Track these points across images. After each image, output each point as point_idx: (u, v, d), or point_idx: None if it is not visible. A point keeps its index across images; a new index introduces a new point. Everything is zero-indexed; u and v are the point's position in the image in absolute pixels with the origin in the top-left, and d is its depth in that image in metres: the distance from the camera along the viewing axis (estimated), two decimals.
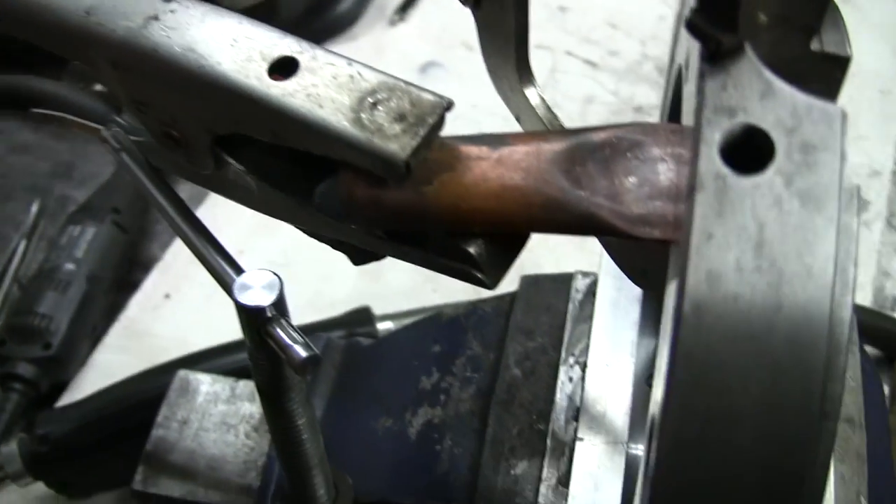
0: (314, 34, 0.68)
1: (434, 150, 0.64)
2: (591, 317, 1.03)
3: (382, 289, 1.54)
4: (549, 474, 0.93)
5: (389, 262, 0.75)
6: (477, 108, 1.35)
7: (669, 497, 0.53)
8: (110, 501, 1.35)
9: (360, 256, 0.75)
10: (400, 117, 0.63)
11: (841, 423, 0.91)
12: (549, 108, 0.81)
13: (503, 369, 1.02)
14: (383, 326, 1.44)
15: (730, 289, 0.50)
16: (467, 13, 0.80)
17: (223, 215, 1.22)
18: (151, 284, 1.61)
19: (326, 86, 0.65)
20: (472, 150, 0.66)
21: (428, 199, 0.64)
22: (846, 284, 0.50)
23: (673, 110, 0.83)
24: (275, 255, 1.57)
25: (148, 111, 0.73)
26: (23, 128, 1.83)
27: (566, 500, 0.90)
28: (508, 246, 0.68)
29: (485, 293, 0.77)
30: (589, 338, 1.02)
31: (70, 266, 1.49)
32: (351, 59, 0.67)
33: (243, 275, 0.72)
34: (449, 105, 0.64)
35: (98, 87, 0.85)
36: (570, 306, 1.05)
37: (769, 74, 0.54)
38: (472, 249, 0.66)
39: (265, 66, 0.66)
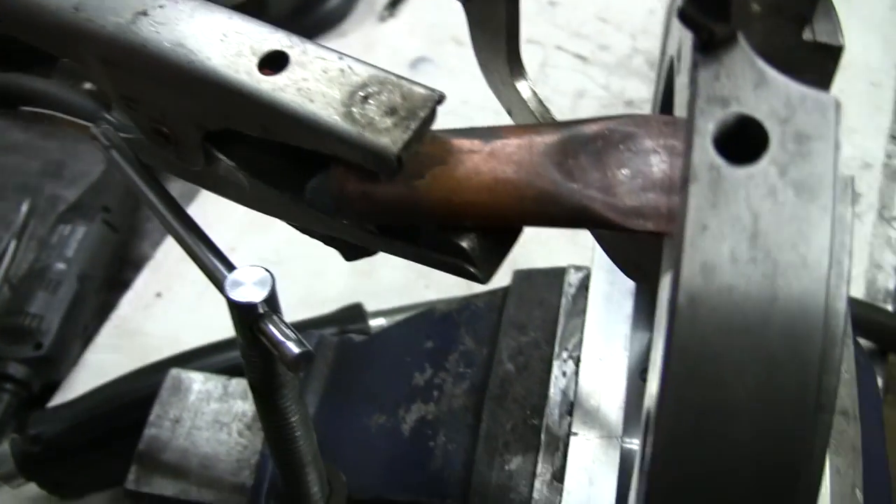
0: (303, 31, 0.68)
1: (426, 143, 0.64)
2: (584, 311, 1.03)
3: (374, 285, 1.54)
4: (543, 469, 0.93)
5: (381, 258, 0.75)
6: (468, 104, 1.34)
7: (666, 491, 0.52)
8: (103, 501, 1.35)
9: (352, 252, 0.75)
10: (391, 111, 0.62)
11: (836, 416, 0.91)
12: (540, 102, 0.81)
13: (496, 364, 1.02)
14: (376, 323, 1.43)
15: (724, 280, 0.49)
16: (457, 8, 0.79)
17: (214, 213, 1.22)
18: (143, 283, 1.61)
19: (317, 80, 0.64)
20: (464, 143, 0.65)
21: (420, 192, 0.64)
22: (841, 275, 0.50)
23: (665, 103, 0.83)
24: (266, 252, 1.57)
25: (137, 107, 0.73)
26: (12, 127, 1.83)
27: (561, 495, 0.90)
28: (501, 240, 0.68)
29: (477, 288, 0.77)
30: (582, 332, 1.02)
31: (61, 265, 1.48)
32: (341, 53, 0.66)
33: (235, 271, 0.71)
34: (440, 98, 0.64)
35: (88, 85, 0.85)
36: (563, 300, 1.05)
37: (762, 64, 0.53)
38: (464, 243, 0.66)
39: (255, 61, 0.66)
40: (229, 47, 0.67)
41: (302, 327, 1.29)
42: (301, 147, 0.66)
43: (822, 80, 0.66)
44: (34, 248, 1.60)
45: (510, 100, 0.82)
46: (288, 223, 0.76)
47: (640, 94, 1.85)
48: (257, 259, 1.49)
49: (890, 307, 1.54)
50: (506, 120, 0.83)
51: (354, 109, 0.63)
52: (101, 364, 1.47)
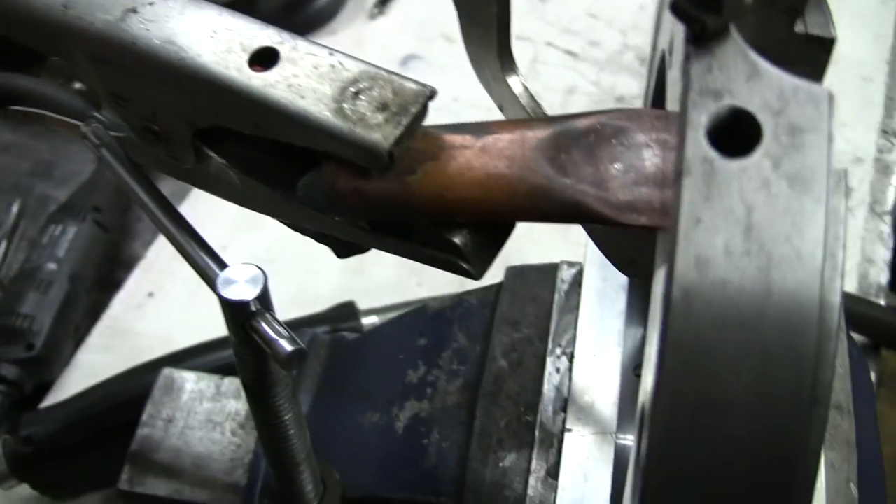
0: (293, 29, 0.67)
1: (417, 139, 0.64)
2: (577, 307, 1.03)
3: (367, 283, 1.54)
4: (537, 466, 0.93)
5: (373, 256, 0.75)
6: (458, 101, 1.34)
7: (661, 486, 0.52)
8: (96, 502, 1.35)
9: (344, 249, 0.75)
10: (382, 107, 0.62)
11: (830, 410, 0.91)
12: (532, 97, 0.81)
13: (490, 361, 1.01)
14: (368, 321, 1.43)
15: (718, 274, 0.49)
16: (447, 5, 0.79)
17: (205, 212, 1.22)
18: (134, 283, 1.60)
19: (308, 76, 0.64)
20: (456, 138, 0.65)
21: (412, 188, 0.64)
22: (835, 268, 0.50)
23: (656, 98, 0.83)
24: (258, 251, 1.56)
25: (127, 105, 0.73)
26: (2, 127, 1.82)
27: (555, 491, 0.90)
28: (494, 235, 0.68)
29: (470, 285, 0.77)
30: (575, 328, 1.01)
31: (52, 266, 1.48)
32: (332, 49, 0.66)
33: (227, 269, 0.71)
34: (432, 93, 0.63)
35: (77, 85, 0.84)
36: (556, 297, 1.05)
37: (755, 56, 0.53)
38: (457, 239, 0.66)
39: (245, 58, 0.66)
40: (219, 44, 0.66)
41: (294, 326, 1.28)
42: (292, 144, 0.65)
43: (814, 72, 0.66)
44: (25, 249, 1.59)
45: (501, 95, 0.82)
46: (279, 220, 0.76)
47: (630, 90, 1.84)
48: (249, 258, 1.48)
49: (882, 302, 1.54)
50: (497, 116, 0.83)
51: (345, 105, 0.62)
52: (93, 364, 1.46)
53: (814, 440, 0.51)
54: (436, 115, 0.65)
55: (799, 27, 0.65)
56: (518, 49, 0.80)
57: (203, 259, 0.76)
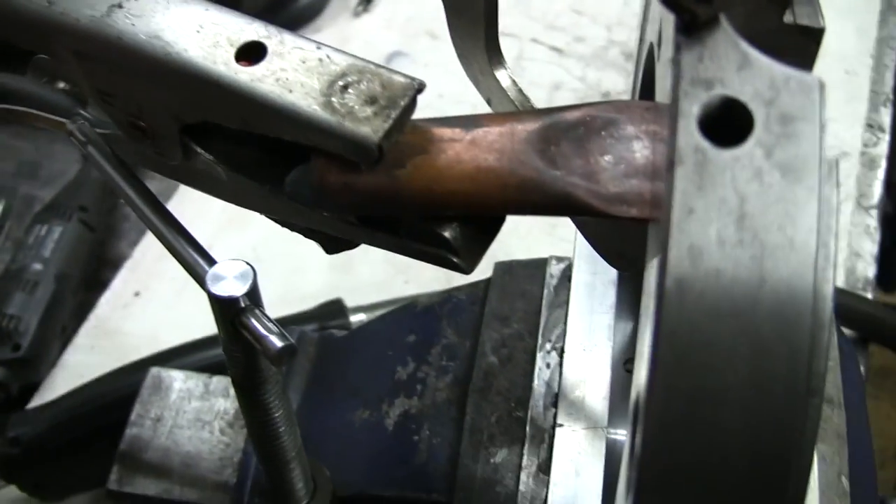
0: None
1: (406, 132, 0.63)
2: (566, 302, 1.03)
3: (354, 281, 1.53)
4: (529, 462, 0.92)
5: (360, 254, 0.74)
6: (444, 98, 1.34)
7: (657, 479, 0.52)
8: (85, 502, 1.34)
9: (332, 245, 0.74)
10: (371, 100, 0.62)
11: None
12: (520, 90, 0.80)
13: (479, 357, 1.01)
14: (356, 319, 1.43)
15: (712, 264, 0.49)
16: (431, 2, 0.79)
17: (191, 210, 1.21)
18: (121, 282, 1.60)
19: (295, 70, 0.64)
20: (445, 131, 0.65)
21: (401, 182, 0.64)
22: (828, 258, 0.50)
23: (644, 91, 0.82)
24: (245, 250, 1.56)
25: (114, 102, 0.72)
26: None
27: (547, 487, 0.90)
28: (484, 229, 0.68)
29: (457, 282, 0.76)
30: (565, 323, 1.01)
31: (37, 266, 1.48)
32: (319, 43, 0.66)
33: (216, 266, 0.71)
34: (421, 86, 0.63)
35: (61, 84, 0.84)
36: (546, 292, 1.05)
37: (745, 46, 0.53)
38: (447, 233, 0.66)
39: (232, 52, 0.65)
40: (206, 38, 0.66)
41: (282, 324, 1.28)
42: (280, 139, 0.65)
43: (804, 62, 0.66)
44: (10, 249, 1.59)
45: (489, 89, 0.82)
46: (267, 217, 0.75)
47: (616, 85, 1.84)
48: (235, 256, 1.49)
49: (869, 295, 1.55)
50: (484, 111, 0.83)
51: (334, 99, 0.62)
52: (81, 364, 1.46)
53: (809, 431, 0.51)
54: (421, 112, 0.65)
55: (788, 17, 0.65)
56: (503, 45, 0.80)
57: (192, 256, 0.75)
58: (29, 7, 0.69)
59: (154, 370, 1.14)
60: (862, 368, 1.36)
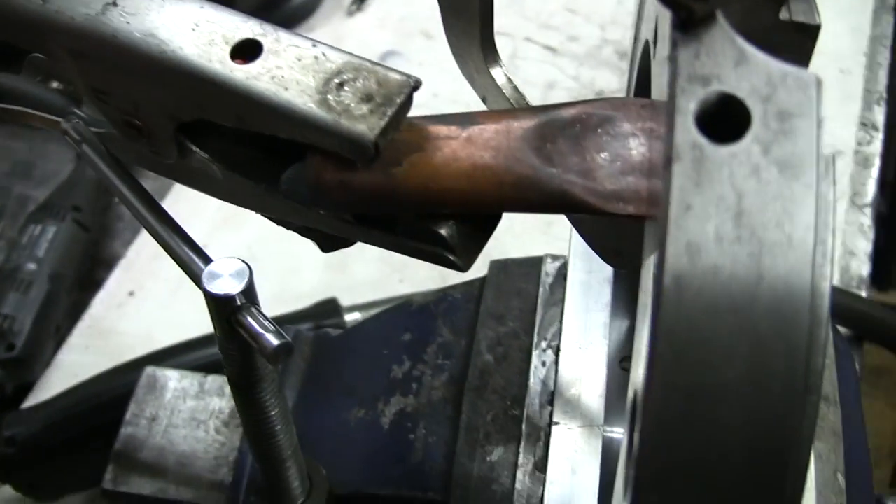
0: None
1: (403, 130, 0.63)
2: (562, 300, 1.03)
3: (348, 280, 1.53)
4: (525, 460, 0.92)
5: (355, 253, 0.74)
6: (438, 97, 1.34)
7: (655, 476, 0.52)
8: (80, 502, 1.34)
9: (328, 243, 0.74)
10: (367, 97, 0.62)
11: None
12: (515, 88, 0.80)
13: (475, 355, 1.01)
14: (351, 318, 1.43)
15: (710, 260, 0.49)
16: (425, 1, 0.79)
17: (186, 210, 1.21)
18: (115, 282, 1.60)
19: (291, 68, 0.64)
20: (442, 129, 0.65)
21: (397, 180, 0.63)
22: (825, 254, 0.50)
23: (638, 88, 0.82)
24: (239, 249, 1.56)
25: (109, 100, 0.72)
26: None
27: (544, 485, 0.90)
28: (480, 227, 0.68)
29: (452, 281, 0.76)
30: (561, 321, 1.01)
31: (31, 266, 1.48)
32: (315, 41, 0.66)
33: (212, 264, 0.71)
34: (417, 84, 0.63)
35: (55, 84, 0.83)
36: (541, 290, 1.05)
37: (742, 42, 0.53)
38: (443, 231, 0.65)
39: (228, 50, 0.65)
40: (201, 36, 0.66)
41: (277, 323, 1.29)
42: (276, 137, 0.65)
43: (800, 59, 0.66)
44: (4, 249, 1.58)
45: (485, 87, 0.82)
46: (263, 215, 0.75)
47: (610, 84, 1.84)
48: (231, 255, 1.49)
49: (864, 293, 1.55)
50: (477, 110, 0.83)
51: (330, 97, 0.62)
52: (75, 364, 1.46)
53: (807, 428, 0.51)
54: (415, 111, 0.65)
55: (784, 14, 0.65)
56: (497, 44, 0.80)
57: (187, 254, 0.75)
58: (24, 5, 0.68)
59: (149, 369, 1.14)
60: (857, 367, 1.37)
